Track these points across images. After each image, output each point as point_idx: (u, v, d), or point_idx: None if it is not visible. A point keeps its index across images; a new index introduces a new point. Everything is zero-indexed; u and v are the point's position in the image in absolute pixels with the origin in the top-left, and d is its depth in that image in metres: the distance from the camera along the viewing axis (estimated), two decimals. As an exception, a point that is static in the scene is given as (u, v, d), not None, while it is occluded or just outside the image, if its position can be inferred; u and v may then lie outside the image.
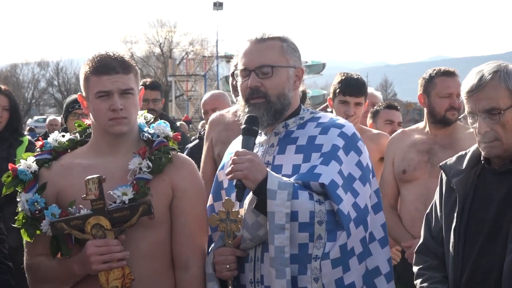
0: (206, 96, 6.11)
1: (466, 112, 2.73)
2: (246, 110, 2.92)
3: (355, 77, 4.59)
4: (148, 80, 7.32)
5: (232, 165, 2.75)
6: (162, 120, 3.09)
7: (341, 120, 2.99)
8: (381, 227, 2.96)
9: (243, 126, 2.88)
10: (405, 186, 4.26)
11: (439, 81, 4.20)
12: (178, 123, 7.29)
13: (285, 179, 2.75)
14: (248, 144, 2.83)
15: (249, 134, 2.86)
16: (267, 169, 2.77)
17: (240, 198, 2.74)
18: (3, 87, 5.32)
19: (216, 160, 4.66)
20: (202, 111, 5.88)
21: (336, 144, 2.85)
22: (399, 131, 4.52)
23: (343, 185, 2.77)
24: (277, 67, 2.88)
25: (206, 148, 4.75)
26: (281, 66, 2.89)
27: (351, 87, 4.50)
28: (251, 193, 2.76)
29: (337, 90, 4.54)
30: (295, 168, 2.84)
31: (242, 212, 2.81)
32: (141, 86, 3.03)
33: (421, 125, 4.38)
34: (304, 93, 3.10)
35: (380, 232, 2.94)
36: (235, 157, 2.76)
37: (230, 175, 2.77)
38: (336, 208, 2.70)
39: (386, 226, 3.00)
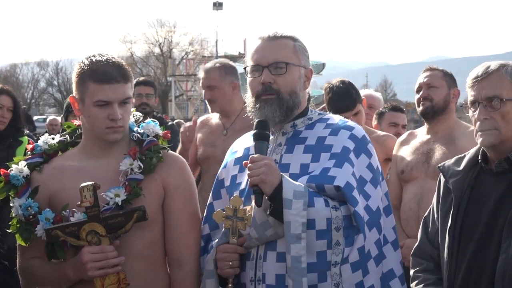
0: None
1: (468, 101, 2.76)
2: (258, 105, 2.90)
3: (341, 90, 4.42)
4: (142, 77, 7.48)
5: (248, 172, 2.74)
6: (151, 119, 3.08)
7: (350, 122, 2.99)
8: (392, 229, 2.96)
9: (254, 131, 2.86)
10: (404, 186, 4.31)
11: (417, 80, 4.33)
12: (176, 121, 7.38)
13: (299, 184, 2.72)
14: (262, 149, 2.81)
15: (262, 139, 2.84)
16: (282, 174, 2.75)
17: (260, 204, 2.72)
18: (7, 88, 5.41)
19: (198, 160, 4.84)
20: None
21: (346, 146, 2.84)
22: (406, 133, 4.54)
23: (357, 187, 2.77)
24: (290, 64, 2.89)
25: (192, 145, 4.86)
26: (294, 64, 2.90)
27: (342, 105, 4.37)
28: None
29: (331, 112, 4.46)
30: (303, 167, 2.83)
31: (248, 208, 2.80)
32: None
33: (425, 127, 4.40)
34: (308, 95, 3.11)
35: (392, 234, 2.95)
36: (251, 164, 2.74)
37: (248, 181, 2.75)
38: (352, 210, 2.70)
39: (396, 229, 3.00)
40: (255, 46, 2.96)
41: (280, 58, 2.88)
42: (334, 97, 4.43)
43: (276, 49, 2.91)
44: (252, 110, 2.93)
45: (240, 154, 3.05)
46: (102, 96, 2.79)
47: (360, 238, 2.70)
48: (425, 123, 4.33)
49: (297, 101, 2.92)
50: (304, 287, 2.65)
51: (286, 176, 2.76)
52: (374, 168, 2.90)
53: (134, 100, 6.68)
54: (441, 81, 4.23)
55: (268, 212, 2.74)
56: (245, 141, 3.10)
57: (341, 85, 4.48)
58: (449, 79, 4.25)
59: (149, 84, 6.98)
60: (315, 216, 2.69)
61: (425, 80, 4.24)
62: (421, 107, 4.24)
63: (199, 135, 4.83)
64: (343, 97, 4.42)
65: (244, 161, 2.84)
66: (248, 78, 2.96)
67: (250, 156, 2.80)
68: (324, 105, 4.65)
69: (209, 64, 4.89)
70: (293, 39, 2.96)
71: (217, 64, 4.81)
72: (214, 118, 4.88)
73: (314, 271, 2.69)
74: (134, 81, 7.13)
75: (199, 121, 4.94)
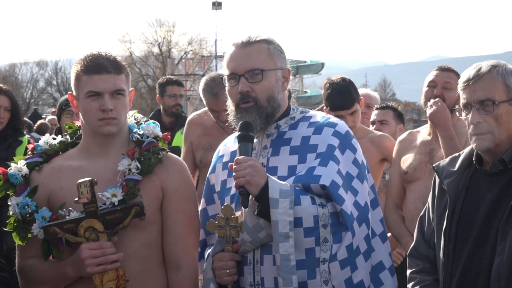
0: None
1: (461, 104, 2.74)
2: (239, 115, 2.91)
3: (340, 87, 4.38)
4: (173, 76, 7.43)
5: (234, 173, 2.75)
6: (152, 121, 3.08)
7: (333, 119, 3.00)
8: (380, 222, 2.98)
9: (238, 133, 2.87)
10: (408, 186, 4.29)
11: (429, 74, 4.27)
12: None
13: (284, 183, 2.74)
14: (247, 151, 2.82)
15: (246, 140, 2.85)
16: (267, 174, 2.77)
17: (246, 205, 2.74)
18: (4, 87, 5.34)
19: (199, 165, 4.64)
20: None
21: (331, 143, 2.86)
22: (406, 132, 4.53)
23: (343, 185, 2.78)
24: (266, 70, 2.88)
25: (185, 151, 4.68)
26: (270, 69, 2.90)
27: (340, 102, 4.34)
28: (251, 196, 2.75)
29: (329, 107, 4.42)
30: (290, 169, 2.85)
31: (239, 214, 2.82)
32: (132, 88, 3.00)
33: (427, 126, 4.39)
34: (289, 92, 3.10)
35: (380, 227, 2.96)
36: (236, 165, 2.75)
37: (234, 183, 2.76)
38: (339, 208, 2.71)
39: (384, 221, 3.03)
40: (230, 54, 2.95)
41: (256, 65, 2.88)
42: (333, 93, 4.40)
43: (251, 55, 2.90)
44: (234, 119, 2.95)
45: (227, 158, 3.05)
46: (92, 86, 2.82)
47: (348, 235, 2.72)
48: (429, 122, 4.31)
49: (276, 106, 2.92)
50: (294, 285, 2.66)
51: (272, 177, 2.77)
52: (359, 163, 2.92)
53: (168, 100, 6.71)
54: (456, 84, 4.20)
55: (255, 213, 2.75)
56: (231, 144, 3.11)
57: (341, 82, 4.45)
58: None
59: (182, 85, 7.03)
60: (301, 214, 2.70)
61: (443, 78, 4.15)
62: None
63: (193, 139, 4.62)
64: (342, 95, 4.38)
65: (229, 164, 2.85)
66: (227, 87, 2.96)
67: (235, 158, 2.81)
68: (322, 105, 4.63)
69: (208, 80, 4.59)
70: (267, 42, 2.94)
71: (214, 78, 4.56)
72: (206, 117, 4.67)
73: (303, 268, 2.70)
74: (165, 80, 7.13)
75: (187, 122, 4.75)
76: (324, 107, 4.55)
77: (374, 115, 5.69)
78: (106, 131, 2.87)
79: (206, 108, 4.69)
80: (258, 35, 2.95)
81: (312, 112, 3.08)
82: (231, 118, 2.97)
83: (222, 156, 3.10)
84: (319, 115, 3.03)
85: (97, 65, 2.83)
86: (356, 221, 2.76)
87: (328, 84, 4.48)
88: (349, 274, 2.73)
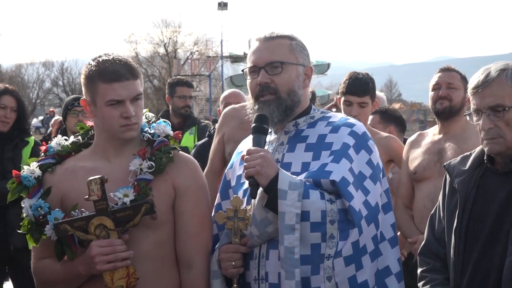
0: (228, 91, 6.04)
1: (471, 109, 2.74)
2: (256, 107, 2.93)
3: (361, 76, 4.54)
4: (183, 77, 7.40)
5: (244, 163, 2.76)
6: (163, 119, 3.07)
7: (351, 120, 3.00)
8: (391, 227, 2.95)
9: (253, 124, 2.89)
10: (417, 186, 4.31)
11: (432, 78, 4.33)
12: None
13: (295, 177, 2.74)
14: (259, 142, 2.84)
15: (260, 132, 2.86)
16: (278, 166, 2.78)
17: (255, 195, 2.74)
18: (10, 87, 5.33)
19: (227, 158, 4.50)
20: (224, 104, 5.71)
21: (346, 142, 2.85)
22: (416, 133, 4.55)
23: (354, 183, 2.77)
24: (286, 63, 2.90)
25: (217, 142, 4.58)
26: (290, 63, 2.92)
27: (354, 87, 4.47)
28: (261, 189, 2.75)
29: (342, 90, 4.55)
30: (304, 165, 2.84)
31: (249, 208, 2.81)
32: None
33: (436, 126, 4.41)
34: (313, 94, 3.09)
35: (390, 231, 2.93)
36: (247, 156, 2.76)
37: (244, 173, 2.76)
38: (347, 205, 2.70)
39: (396, 226, 3.00)
40: (253, 48, 2.98)
41: (276, 58, 2.90)
42: (352, 78, 4.54)
43: (272, 49, 2.92)
44: (251, 111, 2.96)
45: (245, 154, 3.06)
46: (114, 95, 2.80)
47: (354, 232, 2.69)
48: (438, 123, 4.31)
49: (296, 100, 2.93)
50: (297, 278, 2.65)
51: (284, 171, 2.77)
52: (374, 164, 2.90)
53: (177, 101, 6.72)
54: (459, 83, 4.24)
55: (263, 204, 2.74)
56: (251, 142, 3.11)
57: (364, 74, 4.63)
58: (466, 84, 4.24)
59: (192, 86, 7.03)
60: (309, 208, 2.69)
61: (446, 79, 4.22)
62: (438, 106, 4.21)
63: (226, 131, 4.52)
64: (359, 82, 4.51)
65: (242, 154, 2.85)
66: (247, 80, 2.98)
67: (247, 149, 2.81)
68: (329, 105, 4.68)
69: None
70: (289, 38, 2.97)
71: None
72: (243, 110, 4.65)
73: (308, 264, 2.69)
74: (175, 81, 7.14)
75: (223, 113, 4.68)
76: (337, 96, 4.62)
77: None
78: (129, 136, 2.87)
79: (244, 103, 4.65)
80: (282, 31, 2.97)
81: (332, 113, 3.08)
82: (249, 111, 2.98)
83: (241, 152, 3.09)
84: (339, 116, 3.03)
85: (115, 72, 2.80)
86: (364, 219, 2.73)
87: (351, 73, 4.63)
88: (354, 273, 2.70)
